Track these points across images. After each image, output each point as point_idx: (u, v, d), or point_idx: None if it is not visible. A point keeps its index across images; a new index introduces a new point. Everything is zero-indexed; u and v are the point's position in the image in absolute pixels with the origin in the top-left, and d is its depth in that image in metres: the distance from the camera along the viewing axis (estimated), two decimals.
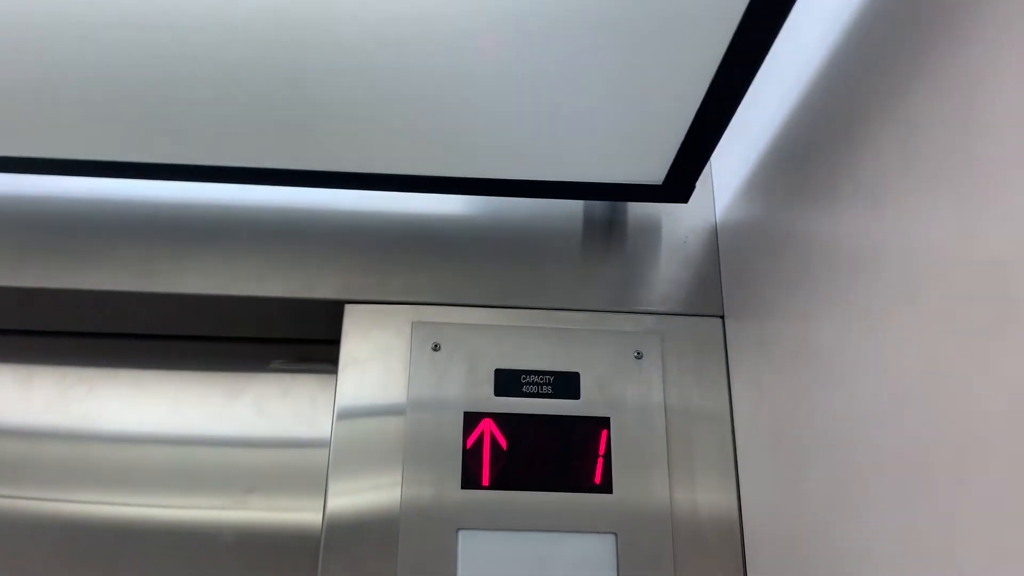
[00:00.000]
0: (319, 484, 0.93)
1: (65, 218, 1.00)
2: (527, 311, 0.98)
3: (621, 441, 0.91)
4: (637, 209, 1.04)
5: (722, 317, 0.99)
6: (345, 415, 0.92)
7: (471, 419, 0.91)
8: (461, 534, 0.86)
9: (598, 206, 1.04)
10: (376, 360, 0.94)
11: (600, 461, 0.90)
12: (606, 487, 0.89)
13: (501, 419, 0.92)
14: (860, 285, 0.67)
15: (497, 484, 0.89)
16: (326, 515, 0.87)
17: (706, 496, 0.90)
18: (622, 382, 0.94)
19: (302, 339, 1.06)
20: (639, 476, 0.90)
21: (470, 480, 0.89)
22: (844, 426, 0.69)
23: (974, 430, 0.51)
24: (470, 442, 0.90)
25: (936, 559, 0.55)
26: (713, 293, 1.00)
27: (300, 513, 1.00)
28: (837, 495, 0.69)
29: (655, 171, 0.91)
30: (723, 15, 0.68)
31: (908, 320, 0.60)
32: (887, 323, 0.63)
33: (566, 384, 0.94)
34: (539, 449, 0.90)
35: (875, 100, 0.67)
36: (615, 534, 0.87)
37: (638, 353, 0.96)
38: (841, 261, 0.71)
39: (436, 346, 0.95)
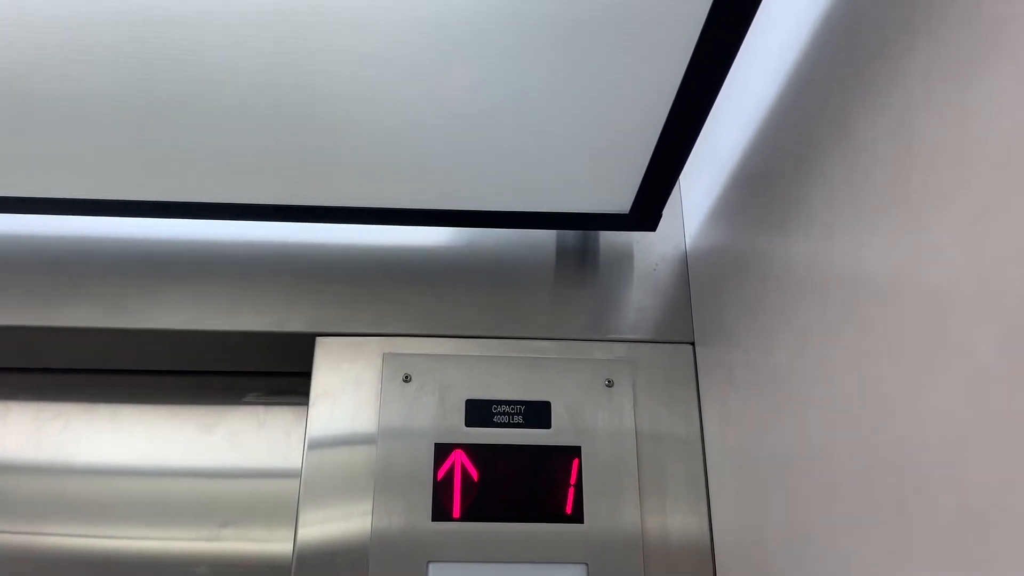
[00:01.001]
0: (292, 515, 0.92)
1: (36, 256, 1.00)
2: (498, 341, 0.98)
3: (592, 470, 0.91)
4: (609, 237, 1.05)
5: (692, 344, 0.99)
6: (316, 447, 0.92)
7: (442, 450, 0.92)
8: (431, 567, 0.86)
9: (570, 235, 1.05)
10: (347, 392, 0.95)
11: (571, 491, 0.90)
12: (577, 517, 0.89)
13: (472, 450, 0.92)
14: (811, 312, 0.68)
15: (468, 516, 0.89)
16: (296, 546, 0.87)
17: (677, 524, 0.90)
18: (593, 410, 0.95)
19: (275, 372, 1.06)
20: (610, 505, 0.90)
21: (440, 512, 0.89)
22: (799, 452, 0.69)
23: (915, 456, 0.52)
24: (440, 474, 0.90)
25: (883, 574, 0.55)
26: (683, 320, 1.00)
27: (273, 544, 1.00)
28: (796, 520, 0.69)
29: (621, 200, 0.92)
30: (679, 43, 0.69)
31: (854, 348, 0.60)
32: (835, 350, 0.63)
33: (537, 413, 0.94)
34: (510, 480, 0.90)
35: (824, 130, 0.68)
36: (586, 564, 0.87)
37: (609, 381, 0.96)
38: (794, 288, 0.72)
39: (407, 377, 0.95)
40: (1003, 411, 0.44)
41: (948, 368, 0.49)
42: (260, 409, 1.08)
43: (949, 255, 0.49)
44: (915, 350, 0.52)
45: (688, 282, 1.02)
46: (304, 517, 0.88)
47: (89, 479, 1.04)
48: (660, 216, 0.94)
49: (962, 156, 0.49)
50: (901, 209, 0.55)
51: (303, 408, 0.95)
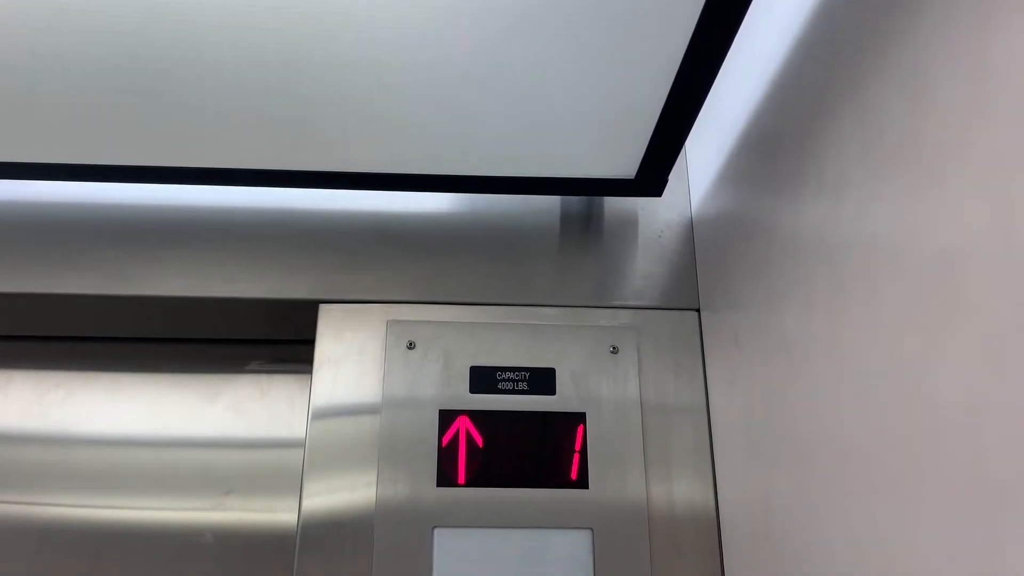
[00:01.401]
0: (297, 484, 0.92)
1: (35, 222, 0.99)
2: (502, 308, 0.98)
3: (597, 436, 0.91)
4: (614, 203, 1.04)
5: (698, 310, 0.99)
6: (320, 415, 0.91)
7: (446, 417, 0.91)
8: (436, 532, 0.86)
9: (575, 201, 1.04)
10: (350, 359, 0.94)
11: (576, 457, 0.90)
12: (582, 483, 0.89)
13: (477, 416, 0.91)
14: (822, 276, 0.67)
15: (473, 481, 0.88)
16: (301, 515, 0.87)
17: (682, 490, 0.90)
18: (598, 377, 0.94)
19: (278, 340, 1.06)
20: (615, 471, 0.90)
21: (445, 478, 0.88)
22: (808, 418, 0.68)
23: (930, 421, 0.51)
24: (445, 440, 0.90)
25: (896, 547, 0.54)
26: (689, 286, 1.00)
27: (277, 513, 1.00)
28: (803, 488, 0.69)
29: (627, 165, 0.90)
30: (685, 5, 0.68)
31: (867, 311, 0.59)
32: (847, 314, 0.62)
33: (542, 380, 0.94)
34: (515, 446, 0.90)
35: (835, 89, 0.67)
36: (591, 529, 0.87)
37: (614, 348, 0.96)
38: (805, 252, 0.71)
39: (411, 344, 0.95)
40: (1020, 368, 0.43)
41: (964, 330, 0.48)
42: (263, 377, 1.07)
43: (965, 213, 0.48)
44: (929, 312, 0.51)
45: (694, 248, 1.01)
46: (308, 486, 0.88)
47: (92, 449, 1.03)
48: (666, 181, 0.93)
49: (977, 110, 0.48)
50: (915, 167, 0.54)
51: (307, 376, 0.95)
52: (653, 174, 0.91)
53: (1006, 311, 0.44)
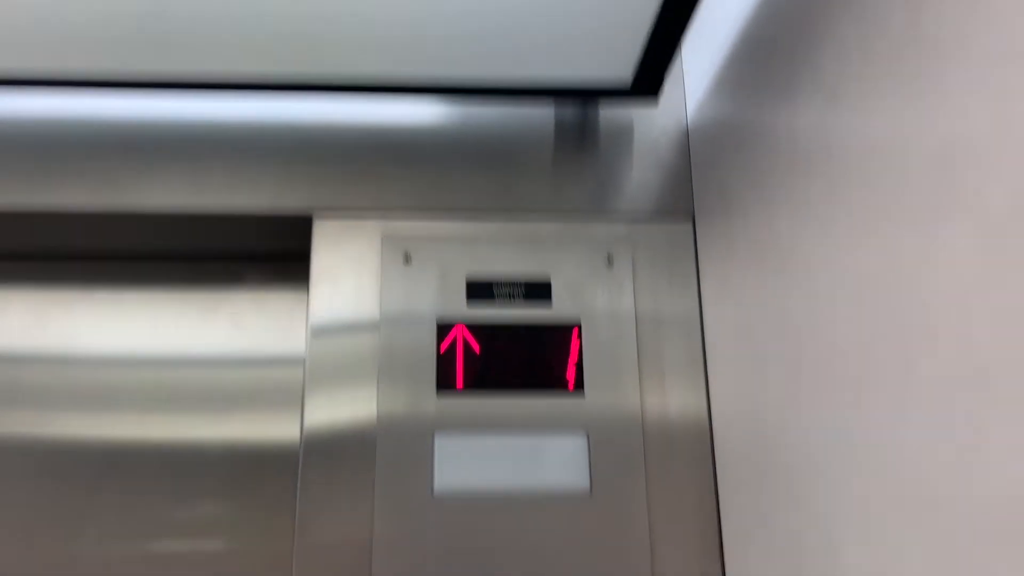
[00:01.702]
0: (298, 397, 0.94)
1: (26, 137, 0.98)
2: (498, 220, 0.98)
3: (592, 344, 0.93)
4: (609, 112, 1.03)
5: (693, 219, 0.99)
6: (319, 330, 0.92)
7: (444, 327, 0.92)
8: (437, 436, 0.88)
9: (569, 110, 1.03)
10: (347, 273, 0.94)
11: (572, 364, 0.92)
12: (578, 389, 0.91)
13: (474, 326, 0.92)
14: (818, 180, 0.67)
15: (471, 388, 0.90)
16: (304, 427, 0.89)
17: (676, 395, 0.92)
18: (593, 287, 0.95)
19: (274, 255, 1.06)
20: (610, 378, 0.92)
21: (444, 384, 0.90)
22: (801, 320, 0.70)
23: (922, 313, 0.52)
24: (443, 347, 0.91)
25: (886, 439, 0.56)
26: (684, 196, 1.00)
27: (281, 426, 1.02)
28: (795, 389, 0.70)
29: (623, 69, 0.89)
30: None
31: (863, 213, 0.60)
32: (843, 217, 0.63)
33: (537, 290, 0.94)
34: (512, 354, 0.92)
35: None
36: (587, 433, 0.89)
37: (609, 258, 0.96)
38: (801, 157, 0.71)
39: (407, 257, 0.95)
40: (1016, 262, 0.43)
41: (959, 222, 0.48)
42: (261, 293, 1.08)
43: (964, 105, 0.48)
44: (925, 206, 0.52)
45: (689, 157, 1.01)
46: (310, 400, 0.89)
47: (92, 367, 1.04)
48: (662, 86, 0.92)
49: (975, 6, 0.47)
50: (913, 65, 0.54)
51: (304, 292, 0.95)
52: (649, 79, 0.90)
53: (1003, 204, 0.44)
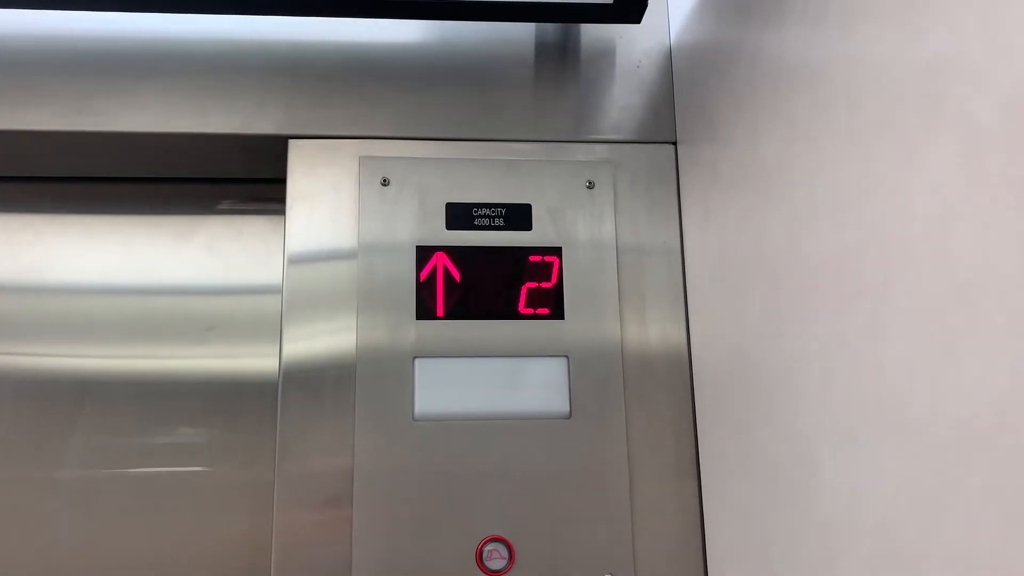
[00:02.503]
0: (276, 324, 0.93)
1: None
2: (477, 143, 0.96)
3: (573, 270, 0.92)
4: (591, 33, 1.00)
5: (675, 143, 0.98)
6: (295, 255, 0.91)
7: (424, 253, 0.91)
8: (418, 362, 0.88)
9: (550, 31, 1.00)
10: (323, 197, 0.93)
11: (552, 290, 0.92)
12: (558, 314, 0.91)
13: (454, 252, 0.92)
14: (804, 100, 0.66)
15: (452, 314, 0.90)
16: (282, 354, 0.88)
17: (655, 321, 0.92)
18: (574, 212, 0.94)
19: (249, 179, 1.04)
20: (591, 303, 0.92)
21: (424, 311, 0.90)
22: (781, 244, 0.69)
23: (904, 231, 0.52)
24: (423, 275, 0.91)
25: (864, 357, 0.57)
26: (666, 119, 0.98)
27: (258, 347, 1.02)
28: (775, 311, 0.71)
29: None
30: None
31: (846, 130, 0.59)
32: (828, 135, 0.62)
33: (518, 216, 0.94)
34: (492, 280, 0.91)
35: None
36: (566, 357, 0.90)
37: (590, 183, 0.95)
38: (786, 78, 0.69)
39: (385, 181, 0.93)
40: (1000, 177, 0.43)
41: (945, 138, 0.48)
42: (237, 218, 1.06)
43: (953, 20, 0.47)
44: (911, 123, 0.51)
45: (672, 80, 0.99)
46: (288, 327, 0.89)
47: (64, 293, 1.02)
48: (645, 6, 0.89)
49: None
50: None
51: (280, 217, 0.93)
52: None
53: (991, 119, 0.44)
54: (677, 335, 0.92)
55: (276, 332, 0.93)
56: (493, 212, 0.93)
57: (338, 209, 0.92)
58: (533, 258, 0.92)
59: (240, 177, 1.04)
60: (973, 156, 0.45)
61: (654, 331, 0.92)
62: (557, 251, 0.93)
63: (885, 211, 0.54)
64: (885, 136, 0.54)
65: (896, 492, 0.53)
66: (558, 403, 0.89)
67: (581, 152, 0.97)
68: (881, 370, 0.55)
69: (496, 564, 0.84)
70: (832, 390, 0.61)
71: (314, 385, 0.87)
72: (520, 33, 1.00)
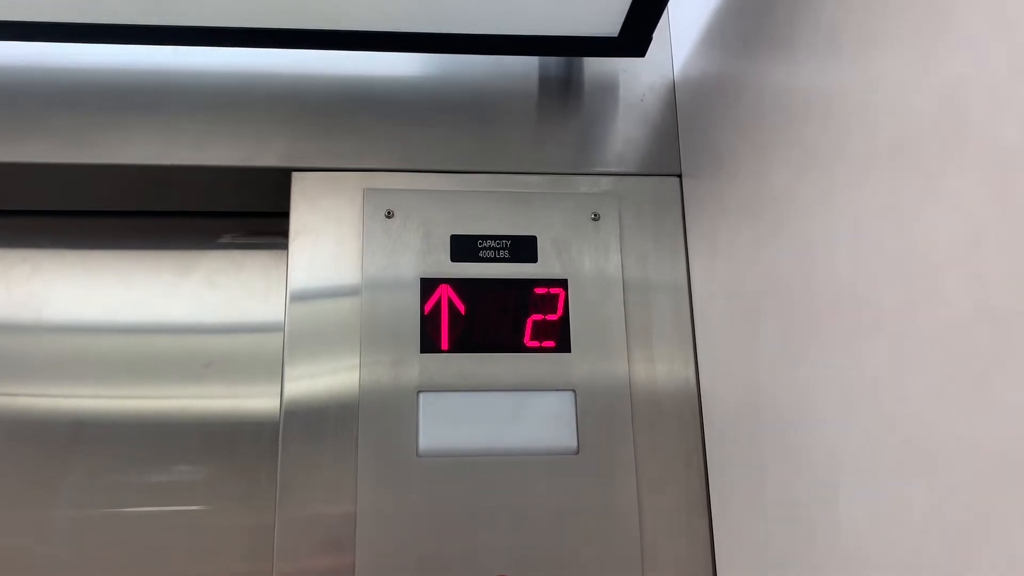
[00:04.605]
0: (276, 360, 0.92)
1: None
2: (482, 175, 0.95)
3: (579, 302, 0.91)
4: (594, 67, 1.01)
5: (680, 176, 0.97)
6: (298, 291, 0.89)
7: (428, 285, 0.90)
8: (422, 396, 0.86)
9: (553, 64, 1.00)
10: (327, 230, 0.92)
11: (558, 322, 0.90)
12: (564, 347, 0.89)
13: (458, 284, 0.91)
14: (816, 128, 0.66)
15: (457, 347, 0.88)
16: (284, 388, 0.86)
17: (663, 354, 0.91)
18: (579, 244, 0.93)
19: (251, 212, 1.03)
20: (597, 337, 0.90)
21: (429, 344, 0.88)
22: (797, 271, 0.69)
23: (927, 257, 0.51)
24: (428, 307, 0.89)
25: (885, 388, 0.55)
26: (671, 152, 0.98)
27: (258, 388, 1.00)
28: (790, 341, 0.70)
29: (610, 22, 0.87)
30: None
31: (864, 156, 0.59)
32: (843, 162, 0.62)
33: (523, 248, 0.93)
34: (497, 312, 0.90)
35: None
36: (573, 391, 0.88)
37: (595, 215, 0.95)
38: (797, 107, 0.69)
39: (389, 213, 0.93)
40: None
41: (967, 160, 0.47)
42: (238, 252, 1.05)
43: (973, 39, 0.47)
44: (931, 148, 0.51)
45: (676, 112, 0.99)
46: (290, 363, 0.87)
47: (61, 329, 1.00)
48: (650, 39, 0.90)
49: None
50: (919, 6, 0.52)
51: (282, 251, 0.92)
52: (637, 32, 0.88)
53: (1016, 138, 0.43)
54: (685, 370, 0.91)
55: (276, 369, 0.91)
56: (498, 244, 0.92)
57: (341, 242, 0.91)
58: (539, 290, 0.91)
59: (241, 211, 1.03)
60: (998, 177, 0.44)
61: (662, 365, 0.91)
62: (563, 283, 0.92)
63: (906, 238, 0.53)
64: (904, 161, 0.53)
65: (924, 526, 0.51)
66: (565, 438, 0.87)
67: (585, 184, 0.96)
68: (905, 401, 0.53)
69: None
70: (851, 423, 0.60)
71: (316, 425, 0.85)
72: (523, 67, 1.00)
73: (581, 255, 0.93)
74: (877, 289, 0.57)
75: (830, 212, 0.63)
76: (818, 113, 0.65)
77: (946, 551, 0.49)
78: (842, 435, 0.61)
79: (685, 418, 0.89)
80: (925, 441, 0.51)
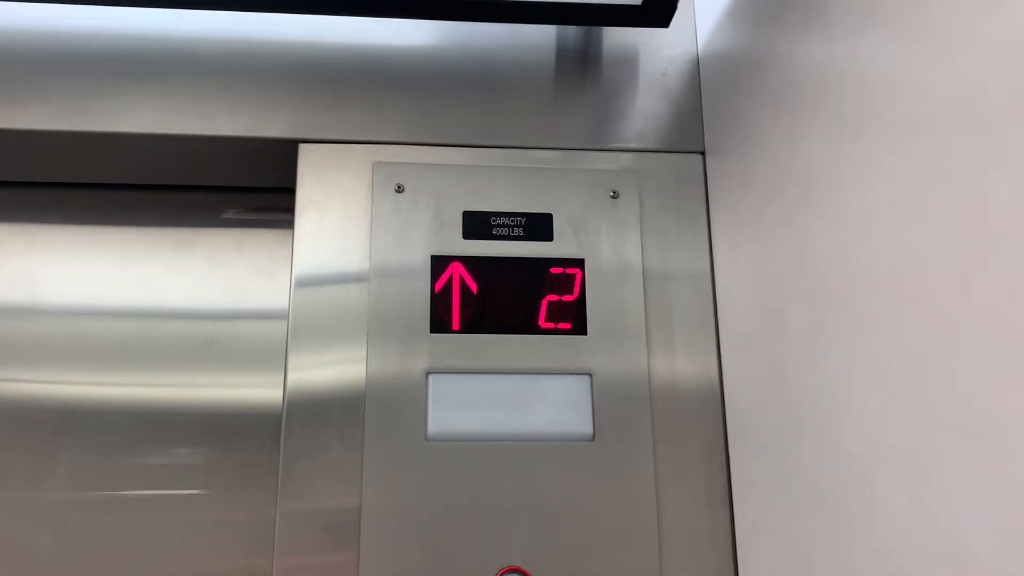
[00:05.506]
0: (280, 341, 0.88)
1: None
2: (496, 150, 0.92)
3: (596, 283, 0.87)
4: (613, 38, 0.97)
5: (702, 153, 0.93)
6: (304, 270, 0.86)
7: (439, 263, 0.86)
8: (431, 378, 0.83)
9: (571, 35, 0.96)
10: (334, 204, 0.88)
11: (574, 303, 0.86)
12: (580, 329, 0.86)
13: (470, 262, 0.87)
14: (854, 96, 0.62)
15: (468, 328, 0.85)
16: (287, 383, 0.83)
17: (683, 336, 0.87)
18: (597, 223, 0.90)
19: (255, 187, 0.99)
20: (615, 318, 0.86)
21: (439, 324, 0.84)
22: (831, 247, 0.65)
23: (981, 226, 0.47)
24: (438, 286, 0.86)
25: (932, 366, 0.52)
26: (693, 128, 0.94)
27: (260, 371, 0.96)
28: (822, 322, 0.66)
29: None
30: None
31: (910, 120, 0.55)
32: (885, 128, 0.58)
33: (538, 225, 0.89)
34: (511, 292, 0.86)
35: None
36: (590, 375, 0.84)
37: (614, 192, 0.91)
38: (834, 77, 0.65)
39: (399, 188, 0.89)
40: None
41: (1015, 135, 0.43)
42: (241, 230, 1.01)
43: (1001, 29, 0.43)
44: (987, 107, 0.47)
45: (699, 87, 0.95)
46: (294, 346, 0.83)
47: (56, 307, 0.96)
48: (675, 8, 0.86)
49: None
50: None
51: (287, 231, 0.88)
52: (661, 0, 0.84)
53: None
54: (706, 355, 0.87)
55: (280, 351, 0.87)
56: (512, 221, 0.89)
57: (349, 217, 0.88)
58: (554, 270, 0.87)
59: (246, 185, 0.99)
60: None
61: (681, 350, 0.87)
62: (580, 263, 0.88)
63: (958, 206, 0.49)
64: (956, 124, 0.49)
65: (974, 510, 0.47)
66: (581, 424, 0.83)
67: (604, 161, 0.92)
68: (955, 381, 0.49)
69: None
70: (891, 405, 0.56)
71: (321, 414, 0.81)
72: (540, 37, 0.96)
73: (599, 234, 0.89)
74: (923, 263, 0.53)
75: (869, 182, 0.59)
76: (858, 81, 0.61)
77: (999, 545, 0.45)
78: (881, 420, 0.57)
79: (705, 404, 0.86)
80: (977, 423, 0.47)
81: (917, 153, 0.54)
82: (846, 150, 0.63)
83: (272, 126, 0.89)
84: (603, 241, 0.89)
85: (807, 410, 0.68)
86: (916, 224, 0.54)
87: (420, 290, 0.85)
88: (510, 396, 0.83)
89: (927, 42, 0.53)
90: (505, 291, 0.86)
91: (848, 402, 0.62)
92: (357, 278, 0.85)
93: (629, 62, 0.96)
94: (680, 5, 0.87)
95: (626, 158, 0.93)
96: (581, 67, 0.96)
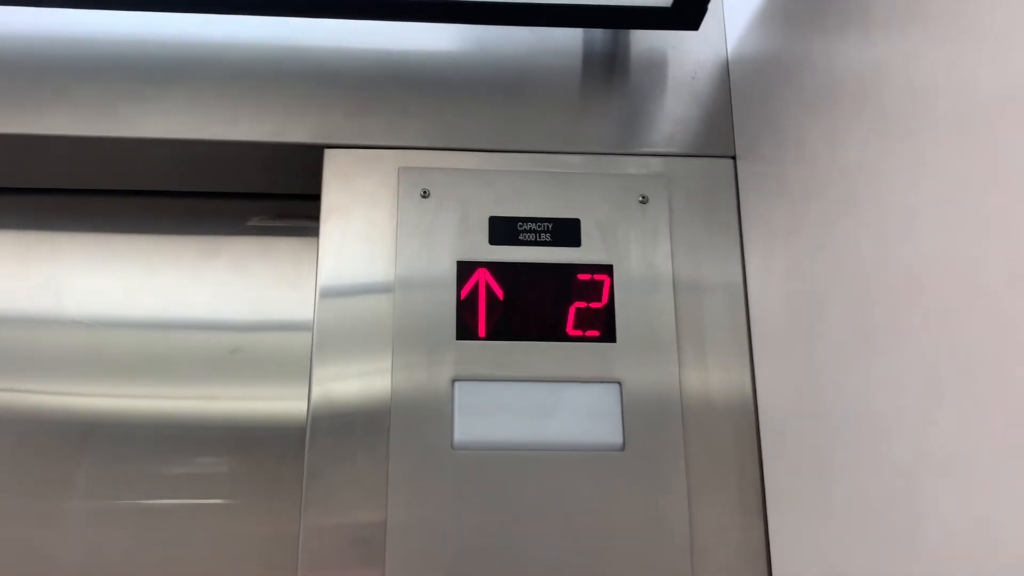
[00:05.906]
0: (305, 347, 0.87)
1: (14, 56, 0.90)
2: (523, 154, 0.90)
3: (625, 289, 0.86)
4: (641, 42, 0.95)
5: (733, 158, 0.92)
6: (329, 277, 0.84)
7: (465, 269, 0.85)
8: (457, 385, 0.81)
9: (599, 38, 0.95)
10: (360, 209, 0.87)
11: (603, 310, 0.85)
12: (609, 336, 0.84)
13: (497, 268, 0.85)
14: (897, 93, 0.60)
15: (494, 335, 0.83)
16: (312, 396, 0.81)
17: (715, 345, 0.85)
18: (626, 228, 0.88)
19: (281, 194, 0.98)
20: (644, 325, 0.85)
21: (465, 331, 0.83)
22: (873, 250, 0.63)
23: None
24: (464, 292, 0.84)
25: (987, 367, 0.49)
26: (724, 132, 0.92)
27: (286, 380, 0.95)
28: (862, 328, 0.64)
29: None
30: None
31: (960, 116, 0.53)
32: (932, 126, 0.56)
33: (566, 231, 0.87)
34: (538, 298, 0.85)
35: None
36: (619, 383, 0.82)
37: (643, 197, 0.89)
38: (875, 75, 0.63)
39: (425, 193, 0.88)
40: None
41: None
42: (266, 238, 1.00)
43: None
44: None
45: (729, 90, 0.94)
46: (319, 367, 0.82)
47: (79, 315, 0.95)
48: (705, 10, 0.84)
49: None
50: None
51: (311, 238, 0.87)
52: (691, 2, 0.83)
53: None
54: (739, 361, 0.85)
55: (304, 361, 0.86)
56: (539, 227, 0.87)
57: (375, 223, 0.86)
58: (582, 276, 0.86)
59: (271, 192, 0.98)
60: None
61: (714, 358, 0.85)
62: (608, 269, 0.86)
63: (1008, 204, 0.47)
64: (1003, 121, 0.48)
65: None
66: (610, 433, 0.81)
67: (632, 165, 0.91)
68: (1011, 380, 0.47)
69: None
70: (941, 411, 0.54)
71: (345, 426, 0.80)
72: (567, 41, 0.94)
73: (628, 240, 0.87)
74: (972, 260, 0.51)
75: (914, 183, 0.57)
76: (901, 78, 0.60)
77: None
78: (927, 427, 0.55)
79: (738, 414, 0.83)
80: None
81: (963, 151, 0.52)
82: (889, 150, 0.61)
83: (297, 131, 0.88)
84: (632, 247, 0.87)
85: (848, 419, 0.66)
86: (964, 224, 0.52)
87: (446, 296, 0.84)
88: (538, 404, 0.81)
89: (971, 39, 0.52)
90: (532, 297, 0.85)
91: (894, 410, 0.59)
92: (383, 285, 0.84)
93: (658, 66, 0.94)
94: (709, 8, 0.85)
95: (655, 163, 0.91)
96: (609, 71, 0.94)
